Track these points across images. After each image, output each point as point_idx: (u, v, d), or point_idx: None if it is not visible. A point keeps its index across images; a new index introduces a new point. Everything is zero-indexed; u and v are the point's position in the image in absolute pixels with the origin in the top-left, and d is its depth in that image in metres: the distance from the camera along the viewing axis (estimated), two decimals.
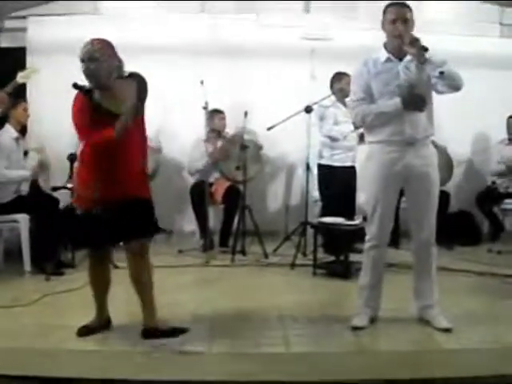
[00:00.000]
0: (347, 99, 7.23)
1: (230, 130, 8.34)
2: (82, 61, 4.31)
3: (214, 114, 8.06)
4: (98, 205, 4.34)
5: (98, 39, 4.38)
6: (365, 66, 4.71)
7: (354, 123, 6.76)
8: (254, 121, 7.85)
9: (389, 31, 4.62)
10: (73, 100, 4.39)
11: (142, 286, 4.58)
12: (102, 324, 4.73)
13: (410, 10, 4.61)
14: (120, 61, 4.43)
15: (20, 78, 5.98)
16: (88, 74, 4.32)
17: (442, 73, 4.37)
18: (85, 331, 4.60)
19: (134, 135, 4.41)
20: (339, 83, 7.53)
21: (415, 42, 4.41)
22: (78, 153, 4.56)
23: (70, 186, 6.61)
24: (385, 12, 4.66)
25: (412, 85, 4.56)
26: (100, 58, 4.28)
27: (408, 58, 4.59)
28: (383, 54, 4.67)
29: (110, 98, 4.34)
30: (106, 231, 4.38)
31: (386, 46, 4.70)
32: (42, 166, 6.89)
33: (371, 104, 4.68)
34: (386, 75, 4.64)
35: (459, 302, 5.40)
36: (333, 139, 7.52)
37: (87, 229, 4.40)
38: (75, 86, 4.29)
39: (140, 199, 4.47)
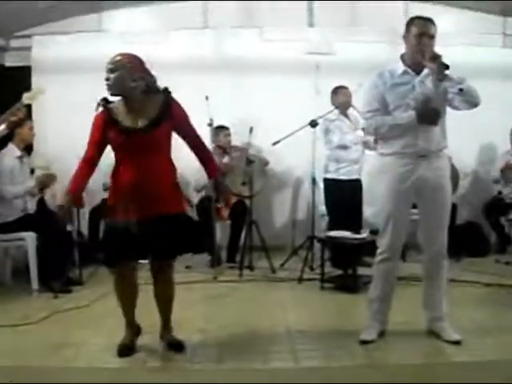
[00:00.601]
0: (349, 111, 7.30)
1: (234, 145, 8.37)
2: (106, 72, 4.37)
3: (219, 131, 8.06)
4: (133, 220, 4.35)
5: (123, 53, 4.43)
6: (380, 77, 4.69)
7: (363, 129, 6.79)
8: (259, 136, 7.83)
9: (412, 44, 4.57)
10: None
11: (169, 302, 4.68)
12: (135, 337, 4.72)
13: (436, 26, 4.60)
14: (151, 76, 4.48)
15: (26, 98, 5.96)
16: (107, 84, 4.36)
17: (461, 90, 4.36)
18: (124, 350, 4.56)
19: (163, 151, 4.49)
20: (337, 97, 7.58)
21: (436, 58, 4.40)
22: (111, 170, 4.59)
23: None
24: (410, 25, 4.63)
25: (428, 99, 4.55)
26: (119, 70, 4.32)
27: (425, 72, 4.58)
28: (400, 67, 4.66)
29: (131, 112, 4.39)
30: (141, 247, 4.39)
31: (403, 58, 4.69)
32: (46, 182, 6.88)
33: (385, 115, 4.68)
34: (403, 88, 4.62)
35: (468, 314, 5.40)
36: (343, 147, 7.51)
37: (123, 243, 4.36)
38: (99, 103, 4.36)
39: (175, 214, 4.47)
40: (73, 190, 4.46)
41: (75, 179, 4.48)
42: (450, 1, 8.70)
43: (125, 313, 4.68)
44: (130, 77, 4.34)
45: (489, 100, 7.96)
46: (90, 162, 4.50)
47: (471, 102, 4.45)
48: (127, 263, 4.51)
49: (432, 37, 4.56)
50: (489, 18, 8.96)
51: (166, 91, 4.49)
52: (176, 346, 4.63)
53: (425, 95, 4.56)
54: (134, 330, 4.72)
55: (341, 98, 7.51)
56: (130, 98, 4.40)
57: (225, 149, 8.24)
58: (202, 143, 4.70)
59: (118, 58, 4.37)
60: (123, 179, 4.42)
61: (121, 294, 4.62)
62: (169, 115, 4.43)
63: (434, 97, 4.55)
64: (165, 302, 4.67)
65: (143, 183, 4.35)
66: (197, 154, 4.67)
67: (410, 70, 4.63)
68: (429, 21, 4.61)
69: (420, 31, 4.54)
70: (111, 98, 4.47)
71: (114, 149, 4.49)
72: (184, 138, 4.62)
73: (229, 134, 8.31)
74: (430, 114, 4.53)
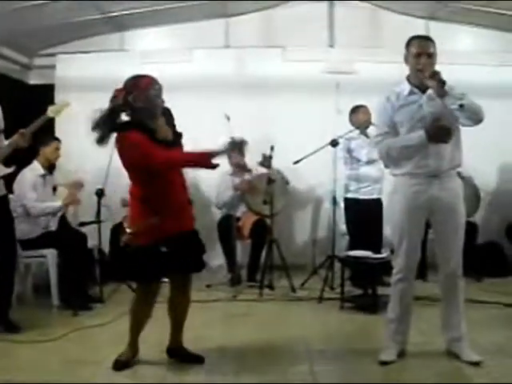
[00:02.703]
0: (369, 130, 7.27)
1: (252, 163, 8.31)
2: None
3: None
4: (158, 238, 4.41)
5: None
6: (388, 101, 4.71)
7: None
8: (280, 155, 7.82)
9: (412, 65, 4.62)
10: (122, 138, 4.42)
11: (185, 314, 4.78)
12: (135, 357, 4.77)
13: (434, 43, 4.62)
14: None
15: (51, 112, 5.94)
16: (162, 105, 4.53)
17: (461, 106, 4.33)
18: (120, 365, 4.63)
19: (178, 170, 4.61)
20: (356, 116, 7.57)
21: (435, 75, 4.41)
22: (130, 190, 4.62)
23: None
24: (408, 45, 4.66)
25: (436, 117, 4.54)
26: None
27: (431, 90, 4.59)
28: (406, 87, 4.68)
29: (157, 131, 4.47)
30: (166, 264, 4.45)
31: (408, 78, 4.71)
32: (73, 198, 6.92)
33: (395, 137, 4.68)
34: (410, 108, 4.64)
35: (488, 335, 5.34)
36: (363, 166, 7.48)
37: (148, 262, 4.44)
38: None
39: (194, 231, 4.65)
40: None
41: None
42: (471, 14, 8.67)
43: (135, 331, 4.73)
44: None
45: (510, 118, 7.98)
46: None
47: (473, 118, 4.41)
48: (157, 281, 4.61)
49: (430, 55, 4.57)
50: (510, 37, 8.90)
51: (169, 111, 4.65)
52: (198, 360, 4.70)
53: (433, 114, 4.56)
54: (134, 350, 4.76)
55: (361, 117, 7.49)
56: (157, 116, 4.52)
57: (245, 168, 8.21)
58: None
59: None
60: (166, 197, 4.46)
61: (139, 312, 4.69)
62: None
63: (443, 114, 4.53)
64: (183, 313, 4.77)
65: (179, 199, 4.53)
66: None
67: (416, 90, 4.65)
68: (427, 39, 4.66)
69: (418, 51, 4.58)
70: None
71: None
72: None
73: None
74: (440, 133, 4.48)
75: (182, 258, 4.47)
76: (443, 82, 4.39)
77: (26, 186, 6.57)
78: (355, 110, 7.63)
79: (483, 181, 8.38)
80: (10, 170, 5.72)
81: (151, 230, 4.41)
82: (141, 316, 4.70)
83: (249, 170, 8.20)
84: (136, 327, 4.72)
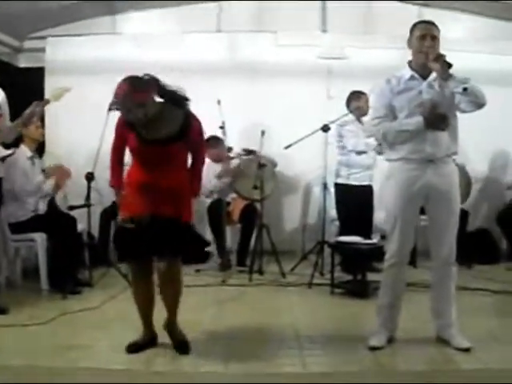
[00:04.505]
0: (364, 118, 7.21)
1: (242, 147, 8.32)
2: (129, 110, 4.36)
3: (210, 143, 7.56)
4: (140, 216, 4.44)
5: (119, 85, 4.37)
6: (388, 83, 4.70)
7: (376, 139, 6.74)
8: (271, 140, 7.82)
9: (416, 47, 4.61)
10: None
11: (176, 297, 4.68)
12: (148, 340, 4.74)
13: (438, 29, 4.61)
14: (165, 92, 4.55)
15: (52, 97, 5.91)
16: (138, 119, 4.40)
17: (465, 89, 4.33)
18: (134, 348, 4.62)
19: (177, 161, 4.58)
20: (357, 102, 7.46)
21: (439, 57, 4.41)
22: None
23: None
24: (413, 29, 4.66)
25: (435, 104, 4.53)
26: (146, 103, 4.38)
27: (432, 76, 4.58)
28: (407, 72, 4.67)
29: (150, 123, 4.44)
30: (147, 244, 4.44)
31: (410, 63, 4.69)
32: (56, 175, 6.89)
33: (393, 121, 4.67)
34: (410, 93, 4.63)
35: (478, 321, 5.35)
36: (355, 152, 7.42)
37: (130, 239, 4.48)
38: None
39: (182, 221, 4.54)
40: (115, 183, 4.75)
41: (112, 173, 4.77)
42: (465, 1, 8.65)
43: (140, 313, 4.73)
44: (153, 102, 4.45)
45: (504, 107, 7.97)
46: (118, 150, 4.71)
47: (476, 102, 4.41)
48: (138, 260, 4.59)
49: (434, 38, 4.56)
50: (506, 25, 8.89)
51: (187, 110, 4.57)
52: (182, 347, 4.62)
53: (432, 100, 4.55)
54: (148, 333, 4.75)
55: (361, 103, 7.41)
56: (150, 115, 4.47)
57: (228, 158, 8.04)
58: (199, 166, 4.80)
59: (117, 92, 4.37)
60: (135, 178, 4.55)
61: (135, 292, 4.70)
62: (187, 135, 4.51)
63: (442, 101, 4.53)
64: (171, 297, 4.66)
65: (154, 185, 4.44)
66: (191, 169, 4.75)
67: (416, 75, 4.64)
68: (431, 24, 4.64)
69: (422, 33, 4.57)
70: None
71: (130, 151, 4.61)
72: (191, 153, 4.73)
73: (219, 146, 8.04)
74: (437, 120, 4.51)
75: (150, 242, 4.43)
76: (449, 65, 4.38)
77: (17, 171, 6.52)
78: (356, 96, 7.54)
79: (474, 168, 8.39)
80: (9, 152, 5.70)
81: (124, 206, 4.59)
82: (138, 296, 4.69)
83: (232, 158, 8.12)
84: (139, 308, 4.71)
